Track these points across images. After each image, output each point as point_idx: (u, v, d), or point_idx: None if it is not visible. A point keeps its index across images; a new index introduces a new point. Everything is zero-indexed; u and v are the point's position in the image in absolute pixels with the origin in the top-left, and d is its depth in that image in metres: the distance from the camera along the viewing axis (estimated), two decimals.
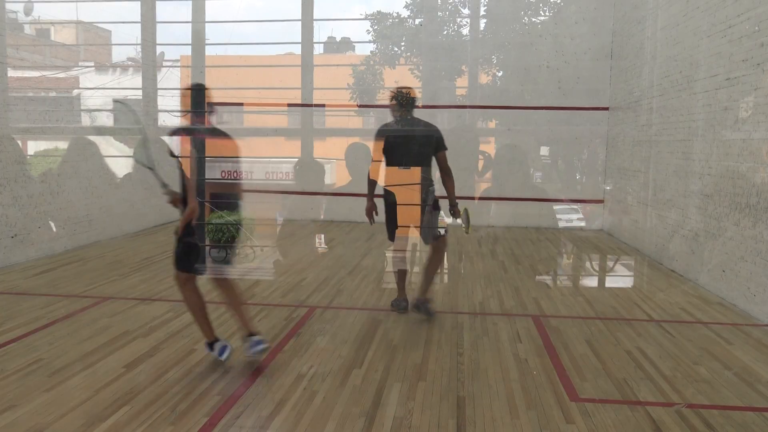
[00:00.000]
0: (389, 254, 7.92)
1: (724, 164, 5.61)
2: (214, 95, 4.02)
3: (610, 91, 9.59)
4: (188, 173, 3.73)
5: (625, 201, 8.71)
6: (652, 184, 7.58)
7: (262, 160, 12.50)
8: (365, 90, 11.28)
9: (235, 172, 4.06)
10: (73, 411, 3.11)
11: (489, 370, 3.75)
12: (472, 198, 10.00)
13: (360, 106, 11.36)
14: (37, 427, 2.94)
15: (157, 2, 10.01)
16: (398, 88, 4.88)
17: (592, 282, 6.97)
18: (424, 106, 10.32)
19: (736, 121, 5.40)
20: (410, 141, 4.78)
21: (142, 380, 3.51)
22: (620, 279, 7.13)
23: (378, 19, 11.44)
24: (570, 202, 10.32)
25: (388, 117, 4.99)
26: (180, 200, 3.76)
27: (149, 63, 9.89)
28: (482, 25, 10.67)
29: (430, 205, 4.81)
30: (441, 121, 10.63)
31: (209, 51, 10.94)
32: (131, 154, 9.18)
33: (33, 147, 8.62)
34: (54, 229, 7.21)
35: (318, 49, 11.56)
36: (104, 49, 12.94)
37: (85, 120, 10.80)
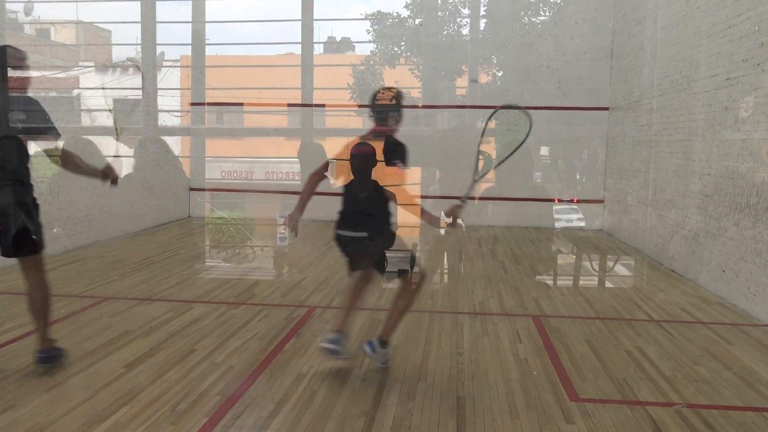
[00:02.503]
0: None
1: (724, 164, 5.61)
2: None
3: (610, 91, 9.59)
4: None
5: (625, 201, 8.71)
6: (652, 184, 7.58)
7: (262, 160, 12.51)
8: (365, 90, 11.28)
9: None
10: (73, 411, 3.11)
11: (489, 370, 3.75)
12: (472, 198, 10.00)
13: (360, 106, 11.36)
14: (37, 427, 2.94)
15: (157, 2, 10.01)
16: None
17: (592, 282, 6.97)
18: (424, 106, 10.34)
19: (736, 121, 5.40)
20: None
21: (142, 380, 3.51)
22: (620, 279, 7.13)
23: (378, 19, 11.45)
24: (570, 202, 10.32)
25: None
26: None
27: (149, 63, 9.89)
28: (482, 25, 10.67)
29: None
30: (441, 120, 10.65)
31: (209, 51, 10.94)
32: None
33: (33, 147, 8.61)
34: (54, 229, 7.20)
35: (318, 49, 11.58)
36: (104, 49, 12.94)
37: (85, 120, 10.81)
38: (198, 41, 10.71)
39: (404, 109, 3.72)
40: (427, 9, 10.92)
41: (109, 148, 8.81)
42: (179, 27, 12.31)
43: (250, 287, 5.72)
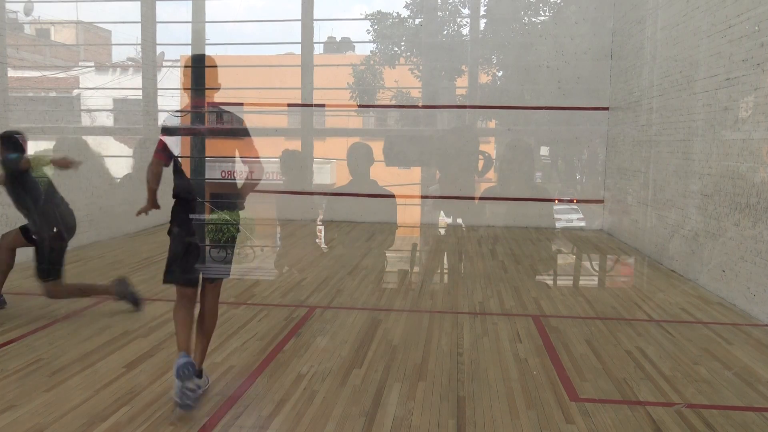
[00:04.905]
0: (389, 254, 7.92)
1: (724, 164, 5.61)
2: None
3: (610, 91, 9.59)
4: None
5: (625, 201, 8.71)
6: (652, 184, 7.58)
7: (261, 160, 12.49)
8: (365, 90, 11.28)
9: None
10: (73, 411, 3.11)
11: (489, 370, 3.75)
12: (473, 198, 10.01)
13: (360, 106, 11.36)
14: (37, 427, 2.94)
15: (157, 2, 10.02)
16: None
17: (592, 282, 6.97)
18: (424, 106, 10.33)
19: (736, 121, 5.40)
20: None
21: (142, 380, 3.51)
22: (620, 279, 7.13)
23: (378, 19, 11.45)
24: (570, 202, 10.33)
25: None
26: None
27: (149, 63, 9.89)
28: (482, 25, 10.67)
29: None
30: (441, 121, 10.65)
31: (209, 51, 10.89)
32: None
33: (33, 147, 8.61)
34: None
35: (318, 49, 11.56)
36: (104, 49, 12.94)
37: (85, 120, 10.79)
38: (198, 41, 10.69)
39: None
40: (427, 9, 10.91)
41: (107, 148, 8.82)
42: (179, 27, 12.31)
43: (250, 287, 5.71)
